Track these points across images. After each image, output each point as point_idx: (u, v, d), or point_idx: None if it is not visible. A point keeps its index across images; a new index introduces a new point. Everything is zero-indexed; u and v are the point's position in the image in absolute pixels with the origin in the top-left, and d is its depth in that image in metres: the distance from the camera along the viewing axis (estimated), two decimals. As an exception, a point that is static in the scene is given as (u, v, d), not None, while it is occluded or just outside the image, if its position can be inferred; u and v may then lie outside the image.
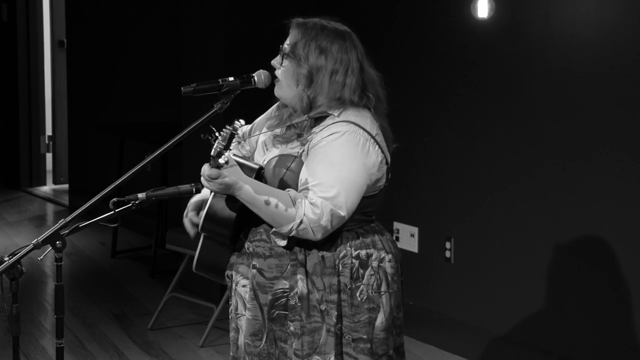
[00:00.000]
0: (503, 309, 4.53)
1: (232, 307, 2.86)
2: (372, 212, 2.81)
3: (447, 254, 4.78)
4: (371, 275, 2.75)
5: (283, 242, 2.70)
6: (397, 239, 4.99)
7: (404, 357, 2.89)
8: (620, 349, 4.08)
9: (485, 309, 4.62)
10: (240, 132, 2.56)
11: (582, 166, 4.17)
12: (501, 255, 4.53)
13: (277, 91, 2.80)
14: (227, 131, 2.50)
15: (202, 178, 2.62)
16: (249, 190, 2.63)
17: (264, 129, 2.87)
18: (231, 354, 2.88)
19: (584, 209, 4.17)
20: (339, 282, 2.73)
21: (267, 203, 2.62)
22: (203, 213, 2.73)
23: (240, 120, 2.52)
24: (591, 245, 4.16)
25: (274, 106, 2.90)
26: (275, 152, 2.77)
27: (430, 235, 4.88)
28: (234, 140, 2.56)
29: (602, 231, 4.11)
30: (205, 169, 2.59)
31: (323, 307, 2.72)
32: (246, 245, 2.79)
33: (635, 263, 4.01)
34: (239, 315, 2.81)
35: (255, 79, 2.74)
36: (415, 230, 4.94)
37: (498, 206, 4.54)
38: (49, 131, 8.77)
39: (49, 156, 8.84)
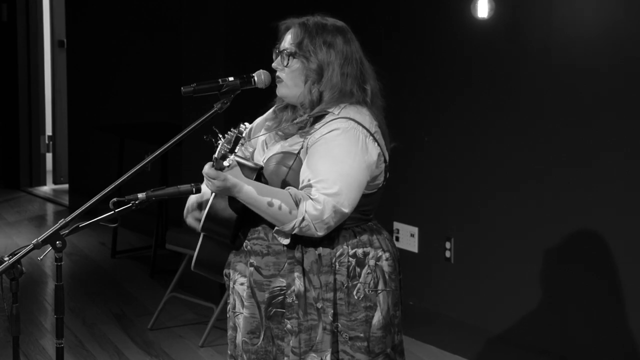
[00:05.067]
0: (503, 309, 4.53)
1: (230, 306, 2.86)
2: (369, 210, 2.82)
3: (447, 254, 4.78)
4: (368, 273, 2.76)
5: (286, 241, 2.70)
6: (397, 239, 4.99)
7: (403, 355, 2.89)
8: (618, 349, 4.08)
9: (485, 309, 4.62)
10: (245, 136, 2.56)
11: (582, 167, 4.17)
12: (501, 255, 4.53)
13: (283, 91, 2.78)
14: (232, 134, 2.50)
15: (204, 176, 2.63)
16: (249, 192, 2.64)
17: (263, 131, 2.87)
18: (229, 352, 2.89)
19: (583, 209, 4.17)
20: (335, 280, 2.73)
21: (268, 203, 2.63)
22: (204, 213, 2.74)
23: (246, 124, 2.53)
24: (590, 246, 4.16)
25: (271, 110, 2.91)
26: (275, 148, 2.78)
27: (430, 235, 4.88)
28: (238, 144, 2.56)
29: (602, 232, 4.10)
30: (207, 168, 2.60)
31: (319, 305, 2.72)
32: (244, 244, 2.79)
33: (634, 264, 4.00)
34: (237, 314, 2.82)
35: (255, 79, 2.74)
36: (415, 230, 4.94)
37: (498, 206, 4.54)
38: (49, 131, 8.77)
39: (49, 156, 8.84)
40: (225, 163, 2.53)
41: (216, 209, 2.73)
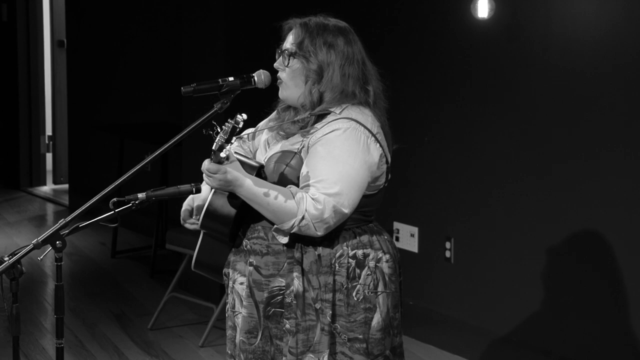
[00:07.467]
0: (503, 309, 4.54)
1: (229, 305, 2.86)
2: (370, 211, 2.81)
3: (447, 254, 4.78)
4: (368, 275, 2.75)
5: (285, 240, 2.69)
6: (397, 239, 4.99)
7: (402, 357, 2.89)
8: (619, 349, 4.08)
9: (486, 309, 4.62)
10: (241, 126, 2.56)
11: (582, 166, 4.17)
12: (501, 255, 4.53)
13: (284, 94, 2.79)
14: (229, 125, 2.50)
15: (204, 173, 2.63)
16: (250, 187, 2.63)
17: (266, 130, 2.88)
18: (228, 351, 2.88)
19: (584, 209, 4.17)
20: (334, 281, 2.73)
21: (268, 200, 2.63)
22: (203, 210, 2.74)
23: (243, 115, 2.52)
24: (591, 246, 4.16)
25: (274, 112, 2.91)
26: (276, 148, 2.78)
27: (430, 235, 4.88)
28: (237, 136, 2.56)
29: (602, 231, 4.11)
30: (206, 163, 2.59)
31: (318, 305, 2.72)
32: (244, 243, 2.79)
33: (634, 264, 4.01)
34: (236, 313, 2.82)
35: (255, 79, 2.74)
36: (415, 230, 4.94)
37: (498, 206, 4.54)
38: (49, 131, 8.78)
39: (49, 156, 8.85)
40: (222, 154, 2.52)
41: (215, 206, 2.72)
